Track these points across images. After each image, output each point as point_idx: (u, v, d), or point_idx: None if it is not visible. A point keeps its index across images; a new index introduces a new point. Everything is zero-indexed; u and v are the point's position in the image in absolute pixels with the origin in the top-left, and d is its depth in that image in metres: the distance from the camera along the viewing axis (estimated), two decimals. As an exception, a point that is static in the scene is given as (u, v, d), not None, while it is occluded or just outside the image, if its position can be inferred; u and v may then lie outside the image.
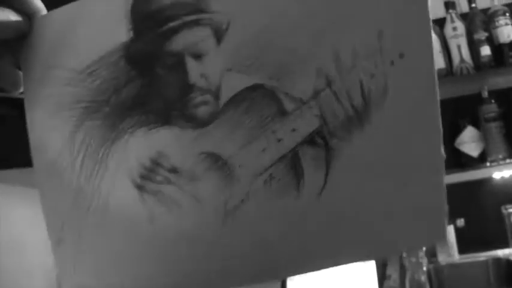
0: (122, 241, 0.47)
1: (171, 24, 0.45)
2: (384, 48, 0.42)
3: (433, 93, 0.41)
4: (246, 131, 0.45)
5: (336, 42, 0.43)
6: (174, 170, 0.46)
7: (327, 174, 0.43)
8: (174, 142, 0.46)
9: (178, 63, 0.45)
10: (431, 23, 0.42)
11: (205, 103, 0.45)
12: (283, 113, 0.44)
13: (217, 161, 0.45)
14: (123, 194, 0.46)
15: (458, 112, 2.17)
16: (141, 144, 0.46)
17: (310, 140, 0.44)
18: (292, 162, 0.44)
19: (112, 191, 0.47)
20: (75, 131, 0.47)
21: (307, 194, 0.44)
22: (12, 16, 0.45)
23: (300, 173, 0.44)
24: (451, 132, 2.19)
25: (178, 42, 0.45)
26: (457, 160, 2.15)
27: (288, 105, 0.44)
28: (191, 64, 0.45)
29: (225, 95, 0.45)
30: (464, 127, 2.16)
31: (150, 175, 0.46)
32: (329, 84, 0.43)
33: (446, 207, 0.43)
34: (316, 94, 0.43)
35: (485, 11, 2.12)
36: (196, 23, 0.45)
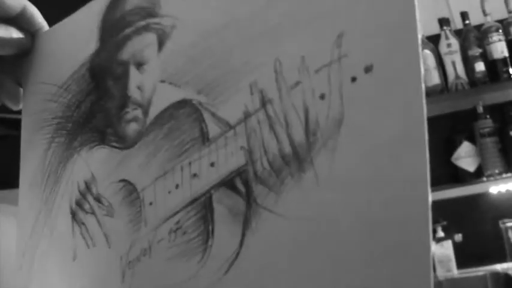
0: (55, 276, 0.42)
1: (126, 31, 0.40)
2: (344, 57, 0.29)
3: (419, 128, 0.25)
4: (163, 158, 0.36)
5: (279, 49, 0.31)
6: (97, 198, 0.40)
7: (241, 242, 0.31)
8: (104, 164, 0.40)
9: (124, 73, 0.40)
10: (417, 20, 0.26)
11: (135, 119, 0.38)
12: (204, 139, 0.34)
13: (131, 193, 0.38)
14: (62, 221, 0.42)
15: (454, 128, 2.19)
16: (82, 165, 0.42)
17: (229, 183, 0.32)
18: (204, 211, 0.33)
19: (57, 216, 0.43)
20: (47, 149, 0.45)
21: (213, 264, 0.32)
22: (15, 34, 0.46)
23: (210, 229, 0.33)
24: (448, 148, 2.19)
25: (128, 51, 0.40)
26: (454, 175, 2.16)
27: (212, 130, 0.34)
28: (133, 74, 0.39)
29: (153, 112, 0.38)
30: (460, 142, 2.17)
31: (81, 201, 0.41)
32: (264, 104, 0.31)
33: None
34: (246, 117, 0.32)
35: (478, 27, 2.13)
36: (145, 28, 0.39)
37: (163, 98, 0.37)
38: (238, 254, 0.31)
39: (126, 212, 0.37)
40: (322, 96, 0.29)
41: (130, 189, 0.38)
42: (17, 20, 0.45)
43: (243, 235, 0.31)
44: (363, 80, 0.27)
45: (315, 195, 0.28)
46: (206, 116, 0.34)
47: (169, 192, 0.35)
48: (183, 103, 0.36)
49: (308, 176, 0.28)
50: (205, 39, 0.35)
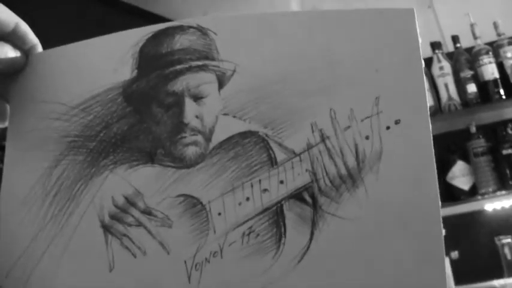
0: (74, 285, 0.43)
1: (178, 67, 0.45)
2: (380, 113, 0.42)
3: (430, 161, 0.41)
4: (231, 177, 0.43)
5: (333, 101, 0.42)
6: (147, 212, 0.43)
7: (311, 239, 0.41)
8: (153, 181, 0.44)
9: (176, 102, 0.45)
10: (426, 93, 0.42)
11: (195, 143, 0.44)
12: (273, 162, 0.43)
13: (195, 206, 0.43)
14: (87, 234, 0.44)
15: (449, 147, 2.22)
16: (119, 181, 0.44)
17: (297, 196, 0.42)
18: (276, 217, 0.42)
19: (77, 229, 0.44)
20: (55, 166, 0.45)
21: (286, 257, 0.41)
22: (9, 52, 0.45)
23: (282, 231, 0.41)
24: (442, 167, 2.23)
25: (181, 83, 0.45)
26: (449, 194, 2.19)
27: (279, 156, 0.43)
28: (189, 104, 0.44)
29: (216, 139, 0.44)
30: (454, 162, 2.20)
31: (120, 215, 0.44)
32: (323, 139, 0.42)
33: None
34: (309, 148, 0.42)
35: (469, 50, 2.18)
36: (202, 68, 0.45)
37: (227, 128, 0.44)
38: (308, 247, 0.40)
39: (189, 222, 0.42)
40: (367, 137, 0.42)
41: (193, 203, 0.43)
42: (10, 37, 0.45)
43: (312, 233, 0.41)
44: (394, 128, 0.41)
45: (366, 203, 0.40)
46: (273, 145, 0.43)
47: (239, 204, 0.42)
48: (248, 134, 0.43)
49: (360, 190, 0.41)
50: (266, 86, 0.44)
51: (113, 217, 0.44)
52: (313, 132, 0.42)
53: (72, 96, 0.46)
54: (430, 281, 0.39)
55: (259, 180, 0.42)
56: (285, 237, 0.41)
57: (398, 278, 0.39)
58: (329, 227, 0.40)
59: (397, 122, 0.41)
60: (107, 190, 0.44)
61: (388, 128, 0.42)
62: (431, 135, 0.41)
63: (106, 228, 0.44)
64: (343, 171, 0.41)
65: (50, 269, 0.43)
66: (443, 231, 0.40)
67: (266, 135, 0.43)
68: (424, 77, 0.42)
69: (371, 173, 0.41)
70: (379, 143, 0.41)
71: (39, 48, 0.48)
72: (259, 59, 0.44)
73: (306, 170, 0.42)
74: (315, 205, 0.41)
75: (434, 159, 0.40)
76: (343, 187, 0.41)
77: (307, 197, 0.41)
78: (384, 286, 0.39)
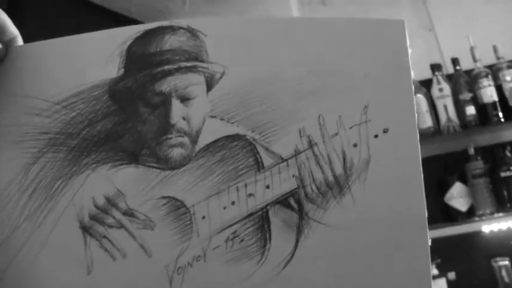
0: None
1: (166, 67, 0.44)
2: (369, 121, 0.42)
3: (417, 171, 0.40)
4: (217, 180, 0.42)
5: (322, 108, 0.42)
6: (129, 213, 0.42)
7: (296, 246, 0.40)
8: (136, 182, 0.43)
9: (163, 102, 0.44)
10: (415, 102, 0.42)
11: (181, 145, 0.43)
12: (259, 167, 0.42)
13: (178, 208, 0.42)
14: (65, 234, 0.42)
15: (447, 169, 2.23)
16: (101, 181, 0.43)
17: (283, 202, 0.41)
18: (261, 223, 0.41)
19: (55, 229, 0.42)
20: (33, 163, 0.43)
21: (271, 263, 0.40)
22: None
23: (267, 237, 0.41)
24: (441, 188, 2.24)
25: (168, 84, 0.44)
26: (447, 215, 2.19)
27: (266, 160, 0.42)
28: (176, 105, 0.44)
29: (203, 141, 0.43)
30: (452, 183, 2.21)
31: (100, 216, 0.42)
32: (311, 145, 0.42)
33: None
34: (297, 153, 0.42)
35: (469, 72, 2.19)
36: (190, 69, 0.44)
37: (214, 130, 0.43)
38: (293, 254, 0.40)
39: (172, 225, 0.42)
40: (355, 145, 0.41)
41: (177, 205, 0.42)
42: None
43: (297, 240, 0.40)
44: (382, 137, 0.41)
45: (353, 211, 0.40)
46: (260, 149, 0.43)
47: (224, 208, 0.41)
48: (236, 137, 0.43)
49: (347, 198, 0.40)
50: (254, 90, 0.43)
51: (92, 218, 0.42)
52: (301, 137, 0.42)
53: (55, 92, 0.45)
54: None
55: (245, 185, 0.42)
56: (269, 243, 0.41)
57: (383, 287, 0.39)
58: (314, 235, 0.40)
59: (385, 131, 0.41)
60: (87, 190, 0.43)
61: (376, 136, 0.42)
62: (419, 145, 0.41)
63: (85, 229, 0.42)
64: (330, 178, 0.41)
65: (24, 269, 0.42)
66: (430, 241, 0.40)
67: (253, 139, 0.43)
68: (413, 87, 0.42)
69: (358, 181, 0.41)
70: (367, 151, 0.41)
71: (20, 40, 0.46)
72: (249, 63, 0.44)
73: (293, 176, 0.42)
74: (300, 211, 0.41)
75: (421, 169, 0.40)
76: (330, 194, 0.41)
77: (293, 202, 0.41)
78: None
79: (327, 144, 0.41)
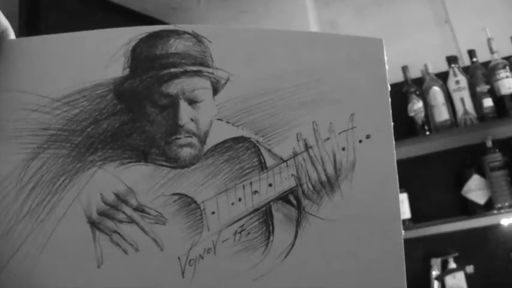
0: (56, 284, 0.42)
1: (173, 70, 0.46)
2: (354, 128, 0.47)
3: (392, 172, 0.47)
4: (225, 178, 0.45)
5: (316, 115, 0.47)
6: (139, 209, 0.44)
7: (295, 237, 0.45)
8: (146, 179, 0.44)
9: (171, 104, 0.45)
10: (390, 113, 0.48)
11: (190, 145, 0.45)
12: (263, 167, 0.46)
13: (189, 204, 0.44)
14: (72, 229, 0.42)
15: (464, 161, 2.23)
16: (109, 178, 0.44)
17: (284, 198, 0.46)
18: (265, 217, 0.45)
19: (60, 225, 0.42)
20: (32, 159, 0.44)
21: (274, 253, 0.44)
22: None
23: (271, 230, 0.45)
24: (458, 181, 2.24)
25: (176, 86, 0.46)
26: (465, 208, 2.19)
27: (269, 161, 0.46)
28: (184, 107, 0.46)
29: (211, 142, 0.46)
30: (470, 176, 2.20)
31: (110, 212, 0.43)
32: (307, 148, 0.46)
33: (404, 276, 0.44)
34: (295, 155, 0.46)
35: (486, 64, 2.18)
36: (197, 73, 0.46)
37: (221, 132, 0.46)
38: (293, 244, 0.45)
39: (183, 220, 0.44)
40: (343, 149, 0.47)
41: (188, 201, 0.45)
42: None
43: (297, 232, 0.45)
44: (365, 142, 0.47)
45: (342, 205, 0.45)
46: (263, 151, 0.47)
47: (232, 204, 0.45)
48: (241, 139, 0.47)
49: (337, 194, 0.46)
50: (257, 97, 0.47)
51: (101, 213, 0.43)
52: (298, 141, 0.47)
53: (55, 89, 0.45)
54: (389, 275, 0.44)
55: (251, 183, 0.46)
56: (273, 235, 0.45)
57: (365, 272, 0.44)
58: (311, 227, 0.45)
59: (367, 137, 0.47)
60: (94, 186, 0.43)
61: (360, 141, 0.47)
62: (394, 149, 0.47)
63: (93, 224, 0.43)
64: (323, 177, 0.46)
65: (25, 265, 0.42)
66: (403, 232, 0.45)
67: (257, 141, 0.47)
68: (389, 100, 0.48)
69: (346, 180, 0.46)
70: (353, 154, 0.47)
71: (11, 32, 0.46)
72: (251, 71, 0.47)
73: (292, 175, 0.46)
74: (299, 206, 0.46)
75: (396, 170, 0.46)
76: (323, 191, 0.46)
77: (292, 199, 0.46)
78: (358, 276, 0.44)
79: (320, 147, 0.46)
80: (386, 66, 0.48)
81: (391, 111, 0.48)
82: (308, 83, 0.48)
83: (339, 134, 0.47)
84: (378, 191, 0.46)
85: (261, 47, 0.48)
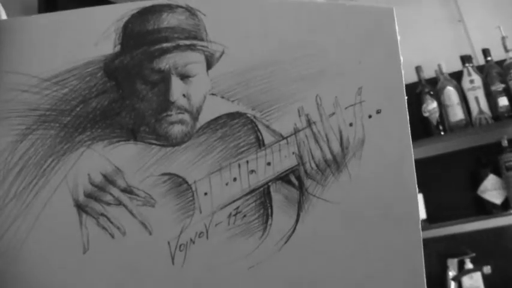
0: (41, 269, 0.40)
1: (165, 45, 0.44)
2: (363, 102, 0.43)
3: (408, 149, 0.42)
4: (218, 157, 0.42)
5: (319, 88, 0.43)
6: (128, 190, 0.42)
7: (297, 220, 0.41)
8: (135, 159, 0.42)
9: (162, 80, 0.44)
10: (404, 86, 0.43)
11: (181, 122, 0.43)
12: (260, 144, 0.43)
13: (180, 185, 0.42)
14: (58, 213, 0.41)
15: (480, 161, 2.21)
16: (97, 158, 0.42)
17: (284, 178, 0.42)
18: (263, 199, 0.42)
19: (46, 208, 0.41)
20: (20, 141, 0.42)
21: (273, 238, 0.41)
22: None
23: (269, 212, 0.42)
24: (474, 181, 2.21)
25: (167, 61, 0.44)
26: (481, 208, 2.17)
27: (267, 138, 0.43)
28: (176, 82, 0.44)
29: (204, 118, 0.44)
30: (486, 175, 2.18)
31: (97, 194, 0.41)
32: (310, 124, 0.43)
33: (423, 261, 0.40)
34: (296, 131, 0.43)
35: (500, 63, 2.16)
36: (190, 47, 0.44)
37: (215, 108, 0.44)
38: (295, 229, 0.41)
39: (173, 202, 0.42)
40: (351, 124, 0.43)
41: (178, 182, 0.42)
42: None
43: (298, 215, 0.41)
44: (375, 117, 0.43)
45: (349, 186, 0.41)
46: (261, 127, 0.43)
47: (226, 184, 0.42)
48: (236, 115, 0.44)
49: (344, 174, 0.42)
50: (254, 70, 0.44)
51: (88, 195, 0.41)
52: (300, 116, 0.43)
53: (44, 69, 0.43)
54: (406, 270, 0.40)
55: (247, 161, 0.43)
56: (271, 218, 0.42)
57: (379, 258, 0.40)
58: (315, 210, 0.41)
59: (378, 112, 0.43)
60: (82, 167, 0.42)
61: (370, 116, 0.44)
62: (409, 125, 0.42)
63: (80, 207, 0.41)
64: (329, 155, 0.42)
65: (10, 250, 0.40)
66: (420, 215, 0.41)
67: (254, 117, 0.44)
68: (402, 73, 0.43)
69: (354, 158, 0.42)
70: (362, 130, 0.43)
71: (2, 14, 0.45)
72: (248, 43, 0.45)
73: (293, 153, 0.43)
74: (301, 187, 0.42)
75: (411, 148, 0.42)
76: (328, 171, 0.42)
77: (293, 179, 0.42)
78: (368, 267, 0.40)
79: (325, 123, 0.43)
80: (398, 37, 0.45)
81: (404, 84, 0.44)
82: (311, 55, 0.44)
83: (346, 108, 0.43)
84: (391, 172, 0.42)
85: (258, 19, 0.45)
